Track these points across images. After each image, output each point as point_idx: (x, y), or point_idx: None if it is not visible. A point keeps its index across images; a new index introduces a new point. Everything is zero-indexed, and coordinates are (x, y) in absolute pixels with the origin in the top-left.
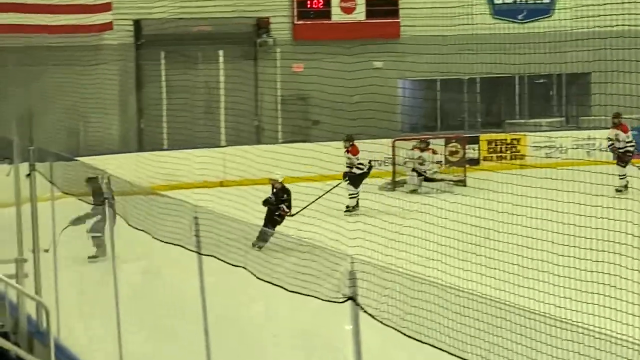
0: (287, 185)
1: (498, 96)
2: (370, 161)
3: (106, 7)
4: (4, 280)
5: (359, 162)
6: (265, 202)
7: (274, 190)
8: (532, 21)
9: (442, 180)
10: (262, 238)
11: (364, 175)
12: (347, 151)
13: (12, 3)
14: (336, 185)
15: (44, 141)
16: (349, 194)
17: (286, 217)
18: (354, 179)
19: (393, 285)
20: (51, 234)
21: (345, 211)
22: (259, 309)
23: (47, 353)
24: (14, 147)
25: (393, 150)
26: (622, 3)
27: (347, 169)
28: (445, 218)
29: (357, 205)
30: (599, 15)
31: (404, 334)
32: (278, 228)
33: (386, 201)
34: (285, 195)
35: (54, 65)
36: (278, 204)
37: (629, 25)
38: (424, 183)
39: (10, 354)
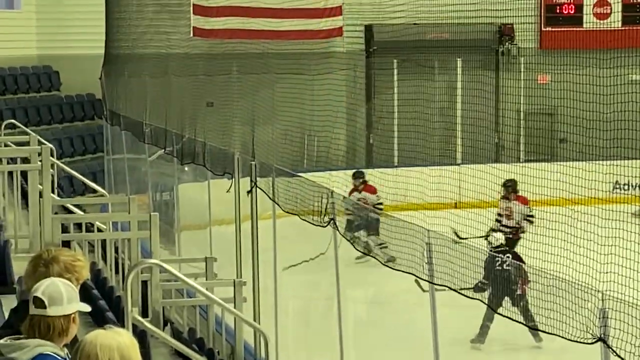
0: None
1: None
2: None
3: (336, 11)
4: (221, 305)
5: (379, 202)
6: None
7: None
8: None
9: None
10: (484, 332)
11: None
12: (360, 190)
13: (236, 6)
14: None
15: (266, 155)
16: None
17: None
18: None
19: None
20: (272, 256)
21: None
22: (495, 348)
23: None
24: (234, 160)
25: None
26: None
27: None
28: None
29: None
30: None
31: None
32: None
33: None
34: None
35: (278, 74)
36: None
37: None
38: None
39: None
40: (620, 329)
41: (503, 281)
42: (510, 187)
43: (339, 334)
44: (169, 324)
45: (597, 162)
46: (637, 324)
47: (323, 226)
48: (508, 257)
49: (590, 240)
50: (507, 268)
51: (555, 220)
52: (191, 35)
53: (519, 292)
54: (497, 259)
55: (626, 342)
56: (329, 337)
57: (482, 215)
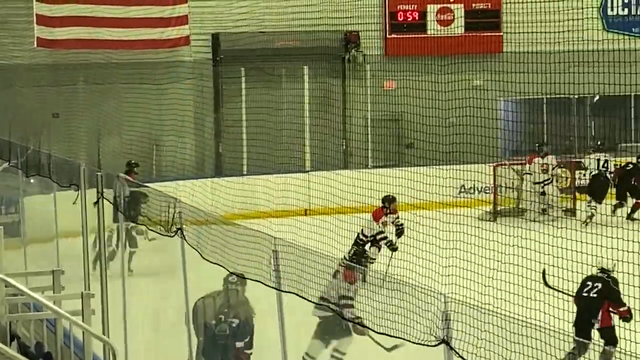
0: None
1: (611, 117)
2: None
3: (183, 21)
4: (68, 318)
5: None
6: None
7: None
8: None
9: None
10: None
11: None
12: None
13: (81, 16)
14: None
15: (113, 166)
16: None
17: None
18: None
19: (491, 328)
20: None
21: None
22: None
23: None
24: (80, 172)
25: (494, 177)
26: None
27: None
28: (548, 254)
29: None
30: None
31: None
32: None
33: (484, 234)
34: None
35: (124, 84)
36: None
37: None
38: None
39: None
40: (462, 331)
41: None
42: (387, 202)
43: (189, 344)
44: (15, 339)
45: (443, 167)
46: (478, 325)
47: (170, 236)
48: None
49: (433, 244)
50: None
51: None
52: (35, 45)
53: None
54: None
55: (468, 344)
56: (180, 347)
57: (329, 222)
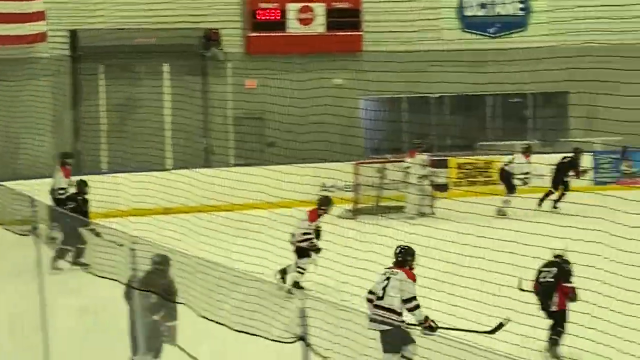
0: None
1: (469, 116)
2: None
3: (40, 16)
4: None
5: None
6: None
7: None
8: (505, 35)
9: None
10: None
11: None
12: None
13: None
14: None
15: None
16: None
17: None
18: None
19: (346, 324)
20: None
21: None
22: (201, 350)
23: None
24: None
25: (356, 175)
26: (599, 17)
27: None
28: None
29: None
30: (577, 30)
31: None
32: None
33: (344, 231)
34: None
35: None
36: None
37: (605, 41)
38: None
39: None
40: (319, 327)
41: None
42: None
43: (44, 346)
44: None
45: (305, 165)
46: (334, 322)
47: (26, 235)
48: None
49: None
50: None
51: (263, 224)
52: None
53: None
54: None
55: (324, 340)
56: (36, 351)
57: (189, 221)
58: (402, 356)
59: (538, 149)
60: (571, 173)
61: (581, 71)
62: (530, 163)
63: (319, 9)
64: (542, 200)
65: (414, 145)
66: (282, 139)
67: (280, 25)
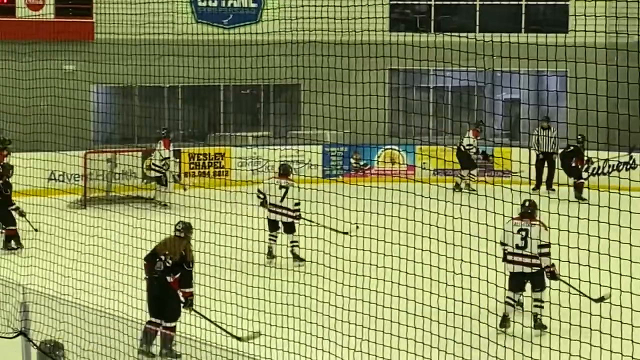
0: None
1: (202, 107)
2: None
3: None
4: None
5: None
6: None
7: None
8: (238, 26)
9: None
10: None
11: None
12: None
13: None
14: None
15: None
16: None
17: None
18: None
19: (69, 319)
20: None
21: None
22: None
23: None
24: None
25: (85, 164)
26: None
27: None
28: (127, 244)
29: None
30: (310, 24)
31: None
32: None
33: (73, 221)
34: None
35: None
36: None
37: (337, 32)
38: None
39: None
40: (41, 322)
41: None
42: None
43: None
44: None
45: (33, 153)
46: (57, 316)
47: None
48: None
49: (26, 230)
50: None
51: None
52: None
53: None
54: None
55: (43, 334)
56: None
57: None
58: None
59: (269, 140)
60: (574, 163)
61: (311, 66)
62: (477, 139)
63: None
64: (580, 191)
65: (164, 135)
66: (9, 131)
67: (9, 9)
